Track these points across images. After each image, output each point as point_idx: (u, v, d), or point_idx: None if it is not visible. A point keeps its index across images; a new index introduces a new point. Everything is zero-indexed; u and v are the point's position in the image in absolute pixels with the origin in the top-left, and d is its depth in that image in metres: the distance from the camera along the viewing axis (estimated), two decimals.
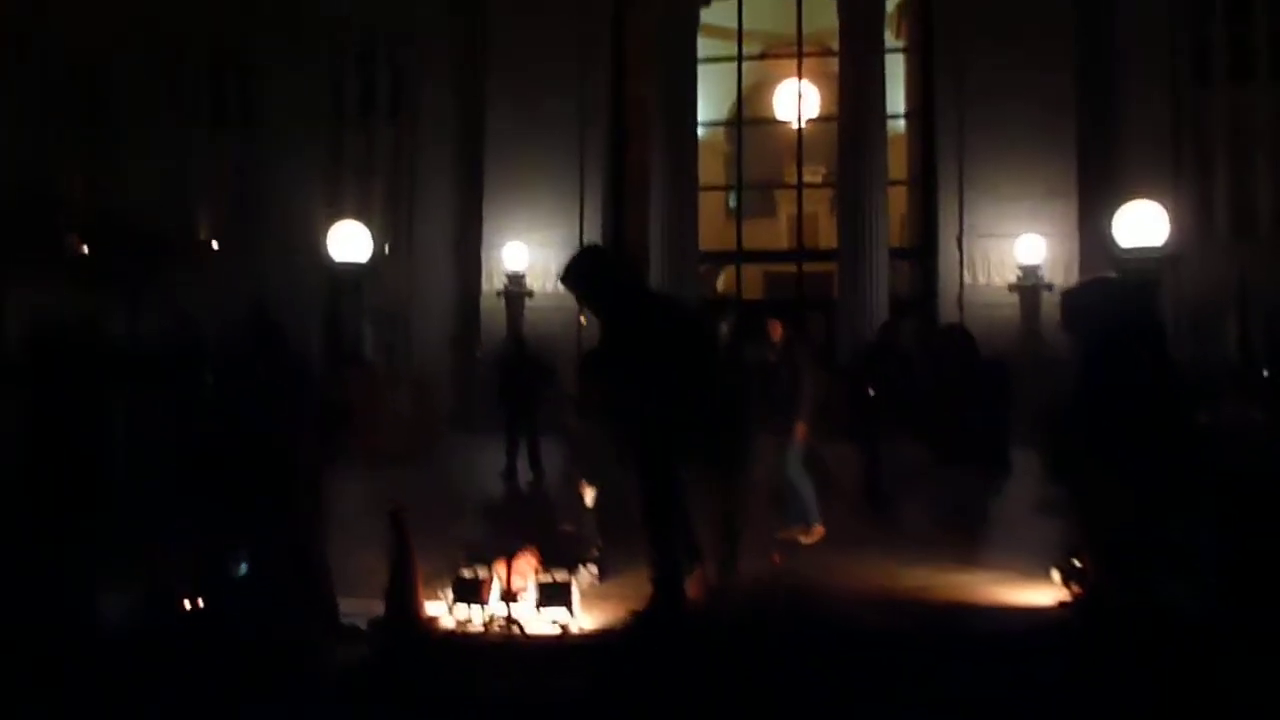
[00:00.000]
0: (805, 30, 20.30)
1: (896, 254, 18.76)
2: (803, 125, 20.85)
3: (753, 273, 20.97)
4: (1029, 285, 17.23)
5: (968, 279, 18.13)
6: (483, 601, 5.15)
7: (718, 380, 5.77)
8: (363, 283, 14.05)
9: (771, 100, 22.78)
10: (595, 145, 19.38)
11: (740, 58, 20.31)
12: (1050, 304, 17.24)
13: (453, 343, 18.23)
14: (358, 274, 13.87)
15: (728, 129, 21.94)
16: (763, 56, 21.46)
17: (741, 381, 6.57)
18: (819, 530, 7.48)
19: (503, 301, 18.37)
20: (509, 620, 5.08)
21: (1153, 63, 17.74)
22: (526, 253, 18.50)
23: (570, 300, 18.77)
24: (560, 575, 5.25)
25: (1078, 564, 5.66)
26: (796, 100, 20.96)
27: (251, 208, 18.51)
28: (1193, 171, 17.45)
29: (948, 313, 17.74)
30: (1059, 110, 17.58)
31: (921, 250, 19.15)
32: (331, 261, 13.80)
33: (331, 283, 13.62)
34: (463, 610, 5.18)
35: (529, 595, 5.20)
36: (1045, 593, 5.76)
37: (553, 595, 5.12)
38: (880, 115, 18.62)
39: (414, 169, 19.12)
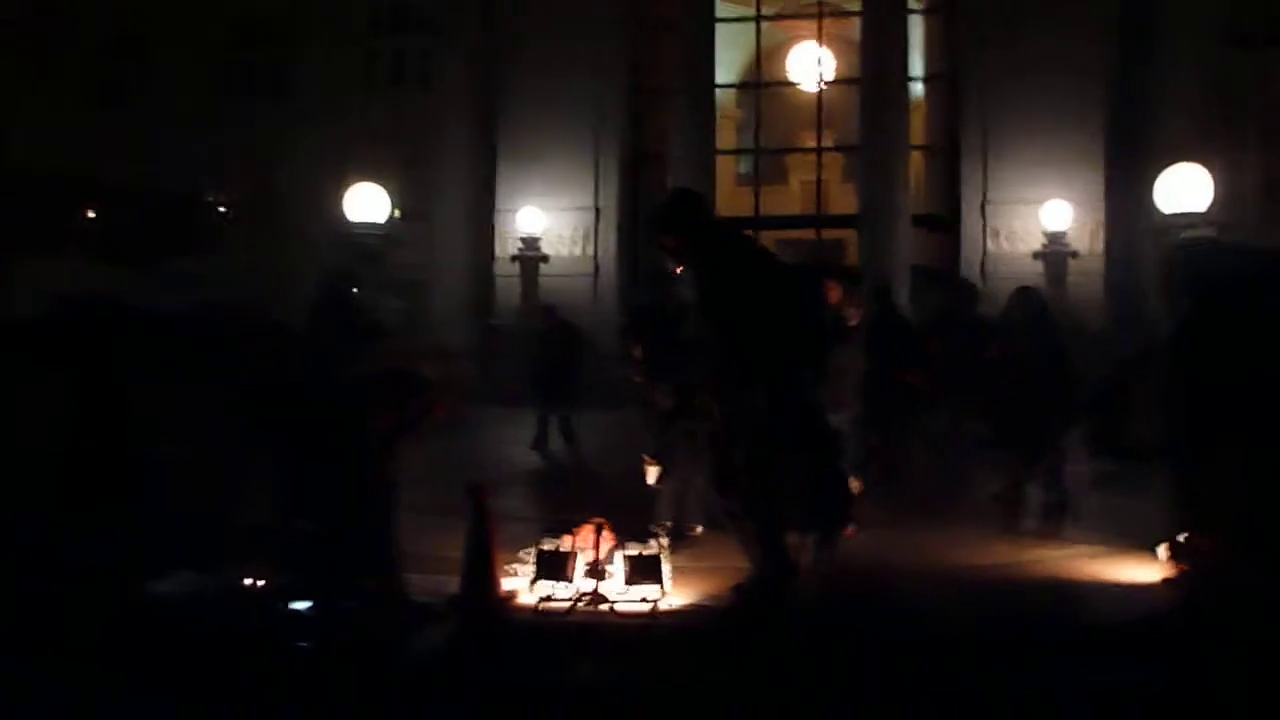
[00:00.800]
0: None
1: (916, 221, 18.42)
2: (820, 89, 20.45)
3: (767, 240, 20.58)
4: (1054, 252, 16.97)
5: (990, 246, 17.85)
6: (568, 577, 4.87)
7: (824, 340, 5.42)
8: (381, 248, 13.61)
9: (784, 64, 22.32)
10: (611, 109, 18.96)
11: (759, 17, 19.86)
12: (1075, 271, 17.01)
13: (470, 310, 17.87)
14: (375, 238, 13.44)
15: (737, 94, 21.50)
16: (777, 18, 20.97)
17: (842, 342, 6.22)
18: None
19: (517, 266, 18.03)
20: (596, 596, 4.79)
21: (1185, 27, 17.34)
22: (542, 218, 18.12)
23: (585, 266, 18.71)
24: (648, 548, 4.96)
25: (1184, 541, 5.42)
26: (815, 63, 20.52)
27: (269, 177, 18.13)
28: (1226, 138, 17.04)
29: (971, 280, 17.43)
30: (1088, 74, 17.22)
31: (943, 217, 18.82)
32: (348, 225, 13.38)
33: (349, 247, 13.17)
34: (545, 586, 4.89)
35: (615, 570, 4.91)
36: (1148, 570, 5.51)
37: (643, 569, 4.83)
38: (903, 78, 18.26)
39: (431, 136, 18.68)
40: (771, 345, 4.52)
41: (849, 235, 18.79)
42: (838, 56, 20.93)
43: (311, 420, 5.20)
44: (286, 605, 4.85)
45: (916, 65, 19.41)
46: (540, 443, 11.42)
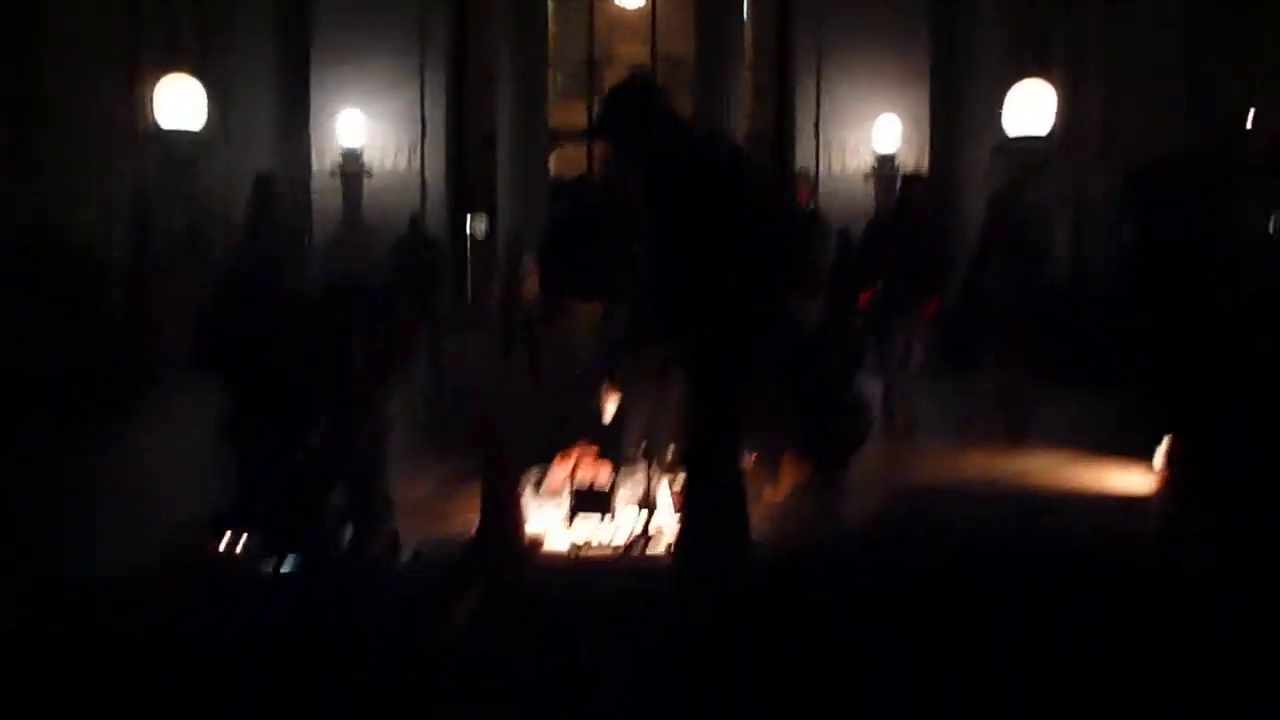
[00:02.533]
0: None
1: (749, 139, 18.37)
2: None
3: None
4: (885, 172, 17.41)
5: (824, 167, 18.07)
6: (612, 512, 4.31)
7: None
8: (194, 155, 11.90)
9: None
10: (434, 22, 17.52)
11: None
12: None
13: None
14: (190, 144, 11.74)
15: (553, 7, 20.50)
16: None
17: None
18: None
19: (338, 180, 16.50)
20: (645, 535, 4.26)
21: None
22: (364, 123, 16.62)
23: (411, 182, 17.49)
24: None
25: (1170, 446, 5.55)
26: None
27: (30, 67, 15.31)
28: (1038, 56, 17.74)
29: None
30: None
31: (777, 135, 18.87)
32: (156, 128, 11.60)
33: (161, 153, 11.42)
34: (584, 526, 4.31)
35: (662, 502, 4.39)
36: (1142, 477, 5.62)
37: None
38: None
39: (230, 22, 16.43)
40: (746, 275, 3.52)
41: None
42: None
43: (276, 348, 4.31)
44: (274, 569, 4.02)
45: None
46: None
